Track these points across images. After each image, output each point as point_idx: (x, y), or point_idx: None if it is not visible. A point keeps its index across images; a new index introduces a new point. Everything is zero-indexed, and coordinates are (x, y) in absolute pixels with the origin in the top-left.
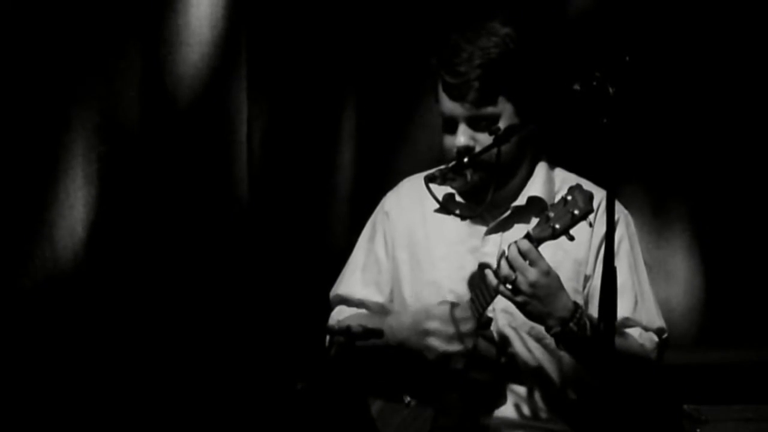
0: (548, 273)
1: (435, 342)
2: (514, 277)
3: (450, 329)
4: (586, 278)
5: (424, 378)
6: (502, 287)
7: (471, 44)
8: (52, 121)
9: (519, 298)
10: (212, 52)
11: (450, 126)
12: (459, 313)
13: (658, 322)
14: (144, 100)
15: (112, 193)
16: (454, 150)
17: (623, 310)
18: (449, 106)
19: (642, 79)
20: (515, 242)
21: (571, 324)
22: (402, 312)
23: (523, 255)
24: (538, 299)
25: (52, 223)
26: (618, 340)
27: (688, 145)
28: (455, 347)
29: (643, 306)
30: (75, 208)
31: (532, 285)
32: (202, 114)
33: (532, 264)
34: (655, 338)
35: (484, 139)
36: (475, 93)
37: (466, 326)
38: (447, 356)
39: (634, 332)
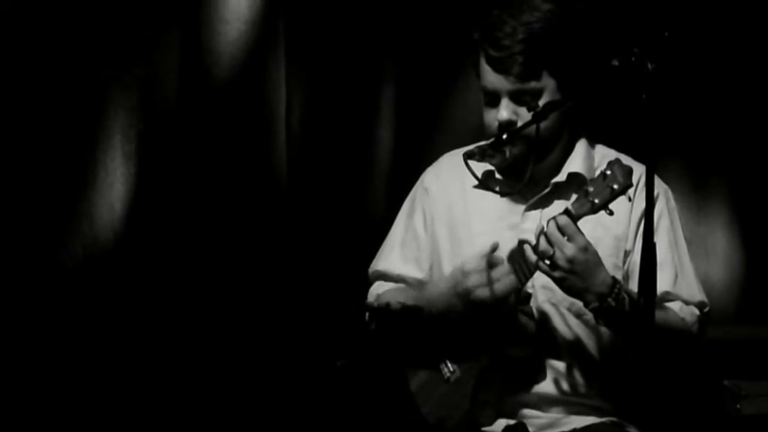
0: (586, 249)
1: (481, 294)
2: (552, 252)
3: (488, 276)
4: (626, 254)
5: (464, 350)
6: (540, 263)
7: (514, 19)
8: (91, 99)
9: (557, 274)
10: (250, 29)
11: (492, 100)
12: (496, 273)
13: (699, 295)
14: (182, 78)
15: (150, 171)
16: (496, 124)
17: (663, 284)
18: (493, 79)
19: (681, 54)
20: (554, 217)
21: (610, 299)
22: (438, 280)
23: (561, 230)
24: (576, 275)
25: (91, 200)
26: (658, 314)
27: (728, 121)
28: (501, 291)
29: (683, 280)
30: (114, 185)
31: (570, 260)
32: (241, 91)
33: (570, 239)
34: (696, 312)
35: (526, 114)
36: (519, 66)
37: (506, 282)
38: (498, 301)
39: (674, 306)
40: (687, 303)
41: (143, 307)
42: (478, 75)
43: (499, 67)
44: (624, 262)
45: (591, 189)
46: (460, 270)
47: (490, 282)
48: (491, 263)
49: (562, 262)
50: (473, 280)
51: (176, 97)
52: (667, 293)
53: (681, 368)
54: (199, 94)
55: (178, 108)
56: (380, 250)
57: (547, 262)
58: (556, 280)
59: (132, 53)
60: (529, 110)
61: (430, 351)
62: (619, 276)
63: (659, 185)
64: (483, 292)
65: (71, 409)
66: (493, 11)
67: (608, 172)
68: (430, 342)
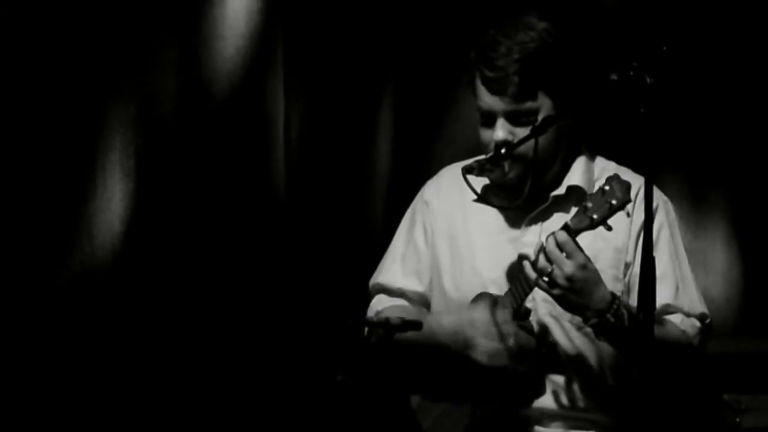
0: (585, 266)
1: (476, 355)
2: (550, 269)
3: (492, 345)
4: (627, 265)
5: (462, 372)
6: (539, 280)
7: (509, 39)
8: (89, 114)
9: (556, 291)
10: (249, 44)
11: (488, 120)
12: (501, 316)
13: (700, 307)
14: (181, 94)
15: (149, 187)
16: (492, 145)
17: (664, 296)
18: (488, 100)
19: (679, 68)
20: (553, 234)
21: (608, 315)
22: (443, 314)
23: (560, 247)
24: (575, 292)
25: (90, 216)
26: (659, 329)
27: (726, 135)
28: (497, 362)
29: (684, 292)
30: (113, 201)
31: (569, 278)
32: (239, 107)
33: (569, 257)
34: (698, 324)
35: (523, 133)
36: (514, 87)
37: (509, 336)
38: (488, 369)
39: (675, 319)
40: (688, 315)
41: (142, 322)
42: (474, 94)
43: (494, 88)
44: (624, 274)
45: (590, 204)
46: (468, 320)
47: (483, 349)
48: (495, 330)
49: (560, 279)
50: (477, 340)
51: (175, 112)
52: (668, 306)
53: (682, 381)
54: (198, 109)
55: (177, 124)
56: (381, 263)
57: (546, 279)
58: (554, 297)
59: (130, 69)
60: (527, 125)
61: (428, 369)
62: (619, 288)
63: (659, 197)
64: (475, 353)
65: (68, 424)
66: (488, 31)
67: (607, 188)
68: (429, 360)
